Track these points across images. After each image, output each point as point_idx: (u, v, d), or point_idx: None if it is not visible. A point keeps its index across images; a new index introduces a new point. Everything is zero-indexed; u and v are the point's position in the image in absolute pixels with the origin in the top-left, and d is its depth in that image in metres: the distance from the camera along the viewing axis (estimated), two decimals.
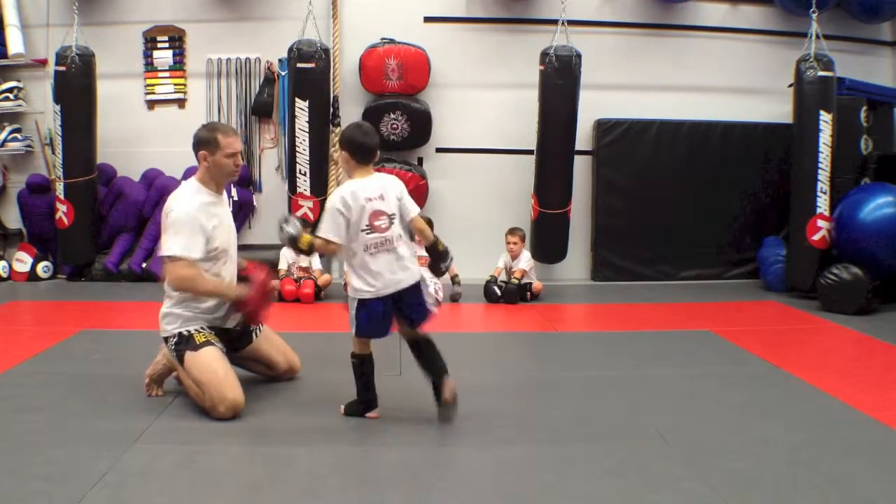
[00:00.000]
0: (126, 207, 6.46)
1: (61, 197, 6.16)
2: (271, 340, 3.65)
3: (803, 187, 5.84)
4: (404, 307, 3.13)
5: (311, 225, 3.31)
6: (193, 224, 3.15)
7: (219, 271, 3.30)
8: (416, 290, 3.16)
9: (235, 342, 3.46)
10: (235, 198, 6.43)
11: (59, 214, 6.19)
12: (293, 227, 3.16)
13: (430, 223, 5.95)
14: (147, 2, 6.59)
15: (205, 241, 3.17)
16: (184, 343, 3.24)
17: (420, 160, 6.66)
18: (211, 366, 3.17)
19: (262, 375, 3.66)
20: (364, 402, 3.23)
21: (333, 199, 3.13)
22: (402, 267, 3.13)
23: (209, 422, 3.13)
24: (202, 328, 3.28)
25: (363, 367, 3.21)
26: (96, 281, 6.37)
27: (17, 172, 6.64)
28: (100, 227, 6.46)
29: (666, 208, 6.71)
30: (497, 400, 3.28)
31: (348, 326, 3.18)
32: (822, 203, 5.78)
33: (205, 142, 3.28)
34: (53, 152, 6.29)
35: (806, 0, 6.02)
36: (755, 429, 3.14)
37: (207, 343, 3.23)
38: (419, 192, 6.45)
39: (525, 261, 5.99)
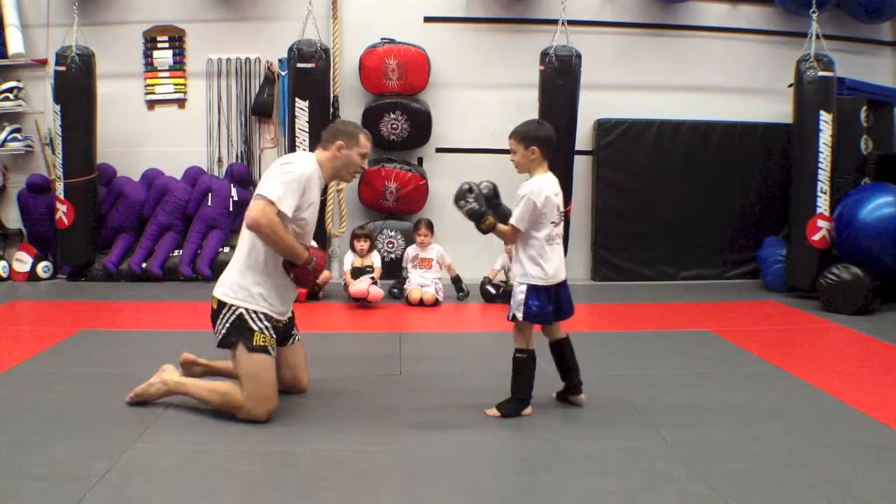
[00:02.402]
0: (126, 207, 6.46)
1: (61, 197, 6.16)
2: (291, 357, 3.49)
3: (803, 187, 5.84)
4: (560, 299, 3.29)
5: (488, 200, 3.30)
6: (300, 188, 3.17)
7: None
8: (566, 284, 3.33)
9: (281, 335, 3.36)
10: (235, 198, 6.44)
11: (59, 214, 6.20)
12: (478, 202, 3.21)
13: (429, 224, 5.98)
14: (147, 2, 6.59)
15: (297, 208, 3.18)
16: (240, 333, 3.16)
17: (420, 160, 6.66)
18: (264, 366, 3.16)
19: None
20: (523, 399, 3.27)
21: (534, 193, 3.20)
22: (564, 261, 3.33)
23: (209, 421, 3.12)
24: (264, 327, 3.19)
25: (530, 362, 3.27)
26: (96, 281, 6.36)
27: (17, 172, 6.64)
28: (100, 227, 6.46)
29: (666, 208, 6.70)
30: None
31: (507, 319, 3.27)
32: (822, 203, 5.78)
33: (346, 134, 3.36)
34: (53, 152, 6.29)
35: (806, 0, 6.03)
36: (755, 429, 3.14)
37: (264, 350, 3.17)
38: (419, 193, 6.45)
39: None
